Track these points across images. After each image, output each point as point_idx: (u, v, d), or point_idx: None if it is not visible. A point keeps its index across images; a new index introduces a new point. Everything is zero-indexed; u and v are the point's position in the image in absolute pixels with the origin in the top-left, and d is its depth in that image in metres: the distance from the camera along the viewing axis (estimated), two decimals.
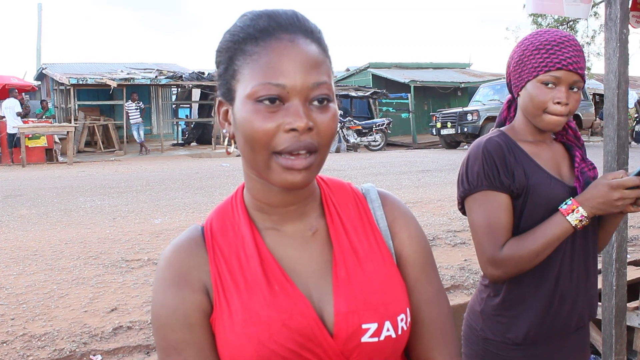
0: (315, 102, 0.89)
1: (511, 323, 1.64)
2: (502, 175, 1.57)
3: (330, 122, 0.90)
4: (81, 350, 3.32)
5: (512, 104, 1.75)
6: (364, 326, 0.94)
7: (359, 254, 0.99)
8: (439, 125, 18.69)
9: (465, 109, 18.61)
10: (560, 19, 23.23)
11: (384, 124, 20.12)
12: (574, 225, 1.53)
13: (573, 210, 1.53)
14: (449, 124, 18.27)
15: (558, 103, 1.57)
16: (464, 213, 1.71)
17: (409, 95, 24.38)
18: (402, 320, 0.96)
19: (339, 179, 1.09)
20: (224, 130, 0.98)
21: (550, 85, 1.56)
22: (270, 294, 0.93)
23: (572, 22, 23.75)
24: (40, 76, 24.10)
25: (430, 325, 1.03)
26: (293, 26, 0.91)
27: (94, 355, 3.29)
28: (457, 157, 14.76)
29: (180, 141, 22.65)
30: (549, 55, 1.56)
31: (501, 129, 1.70)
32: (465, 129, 17.72)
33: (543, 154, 1.65)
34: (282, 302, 0.92)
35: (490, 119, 17.55)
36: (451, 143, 19.09)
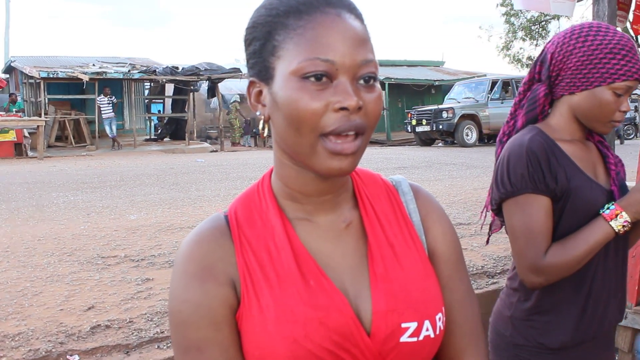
0: (362, 81, 0.84)
1: (545, 328, 1.59)
2: (547, 178, 1.51)
3: (378, 101, 0.85)
4: (57, 350, 3.20)
5: (547, 98, 1.63)
6: (404, 325, 0.88)
7: (395, 248, 0.93)
8: (414, 122, 18.78)
9: (441, 106, 18.75)
10: (533, 19, 23.55)
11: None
12: (617, 230, 1.49)
13: (616, 216, 1.49)
14: (424, 122, 18.36)
15: (622, 111, 1.54)
16: (497, 214, 1.66)
17: (383, 92, 24.43)
18: (439, 319, 0.91)
19: (369, 170, 1.03)
20: (258, 113, 0.90)
21: (619, 93, 1.52)
22: (305, 289, 0.86)
23: (544, 22, 24.09)
24: (9, 69, 23.55)
25: (462, 325, 0.98)
26: (337, 0, 0.85)
27: (70, 356, 3.18)
28: (432, 155, 14.84)
29: (153, 136, 22.36)
30: (626, 62, 1.50)
31: (537, 126, 1.61)
32: (441, 127, 17.84)
33: (581, 154, 1.60)
34: (318, 298, 0.86)
35: (465, 116, 17.71)
36: (426, 140, 19.20)
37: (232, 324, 0.87)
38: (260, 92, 0.89)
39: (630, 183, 1.66)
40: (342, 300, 0.86)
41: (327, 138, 0.82)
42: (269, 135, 0.92)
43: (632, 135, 22.65)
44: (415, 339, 0.88)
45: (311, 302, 0.85)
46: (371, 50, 0.86)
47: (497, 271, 4.66)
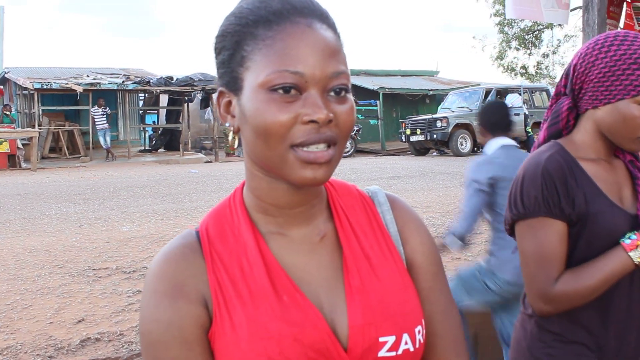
0: (333, 93, 0.82)
1: (564, 356, 1.48)
2: (562, 201, 1.40)
3: (350, 113, 0.83)
4: None
5: (571, 112, 1.51)
6: (381, 339, 0.85)
7: (371, 260, 0.91)
8: (408, 132, 18.81)
9: (435, 115, 18.79)
10: (527, 28, 23.67)
11: (353, 130, 20.14)
12: (637, 262, 1.38)
13: (637, 247, 1.38)
14: (418, 131, 18.39)
15: None
16: (510, 234, 1.56)
17: (377, 102, 24.47)
18: (419, 332, 0.89)
19: (344, 181, 1.01)
20: (227, 124, 0.88)
21: None
22: (279, 305, 0.84)
23: (537, 32, 24.23)
24: (3, 80, 23.51)
25: (444, 337, 0.95)
26: (308, 9, 0.83)
27: None
28: (426, 164, 14.84)
29: (147, 147, 22.31)
30: None
31: (558, 141, 1.50)
32: (435, 136, 17.87)
33: (604, 175, 1.47)
34: (292, 314, 0.83)
35: (460, 125, 17.75)
36: (420, 150, 19.23)
37: (204, 343, 0.84)
38: (229, 103, 0.87)
39: None
40: (316, 315, 0.84)
41: (299, 148, 0.80)
42: (240, 146, 0.90)
43: None
44: (393, 353, 0.86)
45: (285, 318, 0.83)
46: (343, 62, 0.84)
47: None
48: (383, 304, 0.88)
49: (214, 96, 0.92)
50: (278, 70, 0.79)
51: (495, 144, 3.20)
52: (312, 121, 0.79)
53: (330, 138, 0.81)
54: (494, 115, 3.29)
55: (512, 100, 18.30)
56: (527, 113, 18.18)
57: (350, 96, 0.84)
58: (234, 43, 0.84)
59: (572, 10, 5.27)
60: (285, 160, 0.81)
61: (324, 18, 0.85)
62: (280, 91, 0.79)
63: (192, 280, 0.85)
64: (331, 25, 0.85)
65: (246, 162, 0.90)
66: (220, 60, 0.87)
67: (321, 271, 0.89)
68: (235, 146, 0.91)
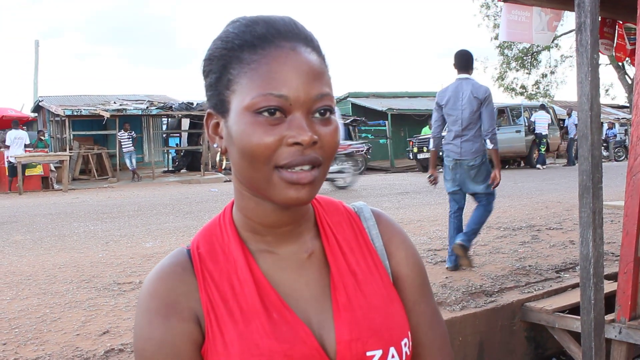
0: (317, 115, 0.80)
1: None
2: None
3: (334, 135, 0.81)
4: None
5: None
6: (369, 354, 0.83)
7: (357, 276, 0.88)
8: (415, 150, 18.75)
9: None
10: (525, 50, 23.64)
11: (362, 150, 20.16)
12: None
13: None
14: (425, 149, 18.31)
15: None
16: None
17: (386, 122, 24.45)
18: (405, 345, 0.86)
19: (330, 198, 0.98)
20: (215, 145, 0.86)
21: None
22: (269, 322, 0.81)
23: (535, 53, 24.18)
24: (37, 108, 23.83)
25: (431, 348, 0.93)
26: (292, 33, 0.81)
27: None
28: None
29: (170, 168, 22.44)
30: None
31: None
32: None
33: None
34: (282, 330, 0.81)
35: None
36: (427, 167, 19.07)
37: None
38: (217, 124, 0.85)
39: (619, 202, 1.44)
40: (305, 331, 0.82)
41: (283, 169, 0.78)
42: (227, 168, 0.88)
43: (622, 157, 22.55)
44: None
45: (275, 335, 0.80)
46: (327, 84, 0.82)
47: (495, 290, 4.58)
48: (369, 319, 0.85)
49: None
50: (263, 93, 0.77)
51: None
52: (297, 143, 0.77)
53: (315, 159, 0.78)
54: None
55: (537, 117, 18.03)
56: (546, 134, 17.86)
57: (335, 117, 0.82)
58: (220, 67, 0.82)
59: (568, 32, 5.27)
60: (270, 181, 0.79)
61: (308, 41, 0.83)
62: (266, 114, 0.77)
63: (184, 299, 0.83)
64: (315, 48, 0.83)
65: (234, 182, 0.88)
66: (208, 83, 0.85)
67: (309, 288, 0.87)
68: (223, 167, 0.89)
